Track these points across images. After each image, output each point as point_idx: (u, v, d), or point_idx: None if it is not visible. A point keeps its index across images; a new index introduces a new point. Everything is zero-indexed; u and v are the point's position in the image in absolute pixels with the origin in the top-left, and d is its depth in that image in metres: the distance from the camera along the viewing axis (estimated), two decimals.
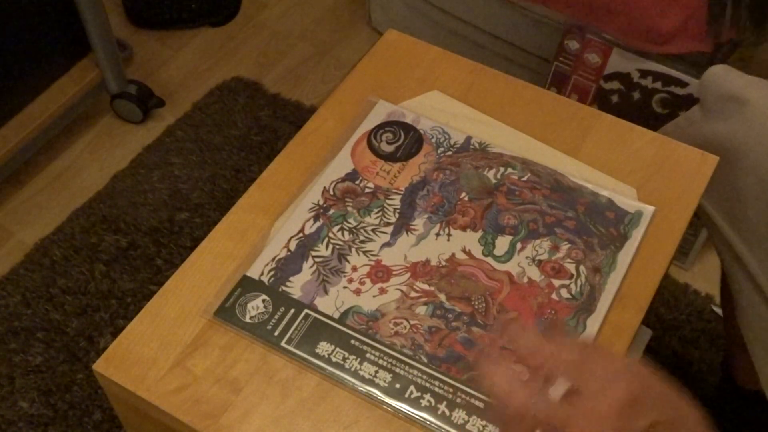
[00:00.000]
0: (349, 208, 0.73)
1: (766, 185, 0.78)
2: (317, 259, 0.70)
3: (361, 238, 0.71)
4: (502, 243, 0.71)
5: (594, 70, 1.19)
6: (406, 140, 0.78)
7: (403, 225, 0.72)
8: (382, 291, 0.68)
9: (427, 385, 0.63)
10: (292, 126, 1.52)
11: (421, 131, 0.79)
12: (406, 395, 0.62)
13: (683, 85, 1.13)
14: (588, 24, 1.15)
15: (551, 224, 0.72)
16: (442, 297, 0.68)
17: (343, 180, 0.75)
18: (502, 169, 0.76)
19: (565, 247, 0.71)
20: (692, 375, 1.24)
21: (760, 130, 0.79)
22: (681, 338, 1.28)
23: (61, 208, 1.42)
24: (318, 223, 0.72)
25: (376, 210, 0.73)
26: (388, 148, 0.77)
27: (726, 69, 0.84)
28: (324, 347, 0.65)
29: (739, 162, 0.80)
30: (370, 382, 0.63)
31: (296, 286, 0.68)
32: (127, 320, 0.74)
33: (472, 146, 0.77)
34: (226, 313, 0.67)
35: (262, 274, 0.69)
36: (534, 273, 0.69)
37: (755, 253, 0.81)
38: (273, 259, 0.70)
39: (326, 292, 0.68)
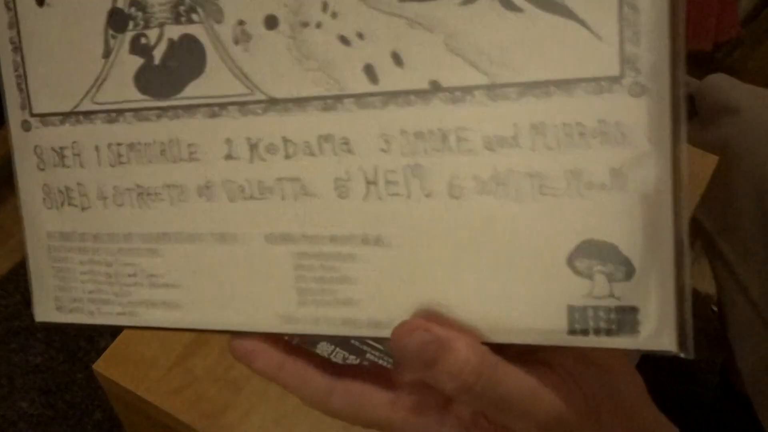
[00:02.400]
0: None
1: (758, 195, 0.78)
2: None
3: None
4: None
5: None
6: None
7: None
8: None
9: None
10: None
11: None
12: None
13: None
14: None
15: None
16: None
17: None
18: None
19: None
20: (692, 375, 1.24)
21: (752, 139, 0.79)
22: None
23: None
24: None
25: None
26: None
27: (722, 78, 0.84)
28: (324, 347, 0.65)
29: (732, 172, 0.80)
30: None
31: None
32: None
33: None
34: None
35: None
36: None
37: (747, 265, 0.81)
38: None
39: None
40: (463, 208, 0.29)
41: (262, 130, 0.31)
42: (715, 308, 1.31)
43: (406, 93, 0.29)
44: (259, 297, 0.34)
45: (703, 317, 1.31)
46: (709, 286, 1.33)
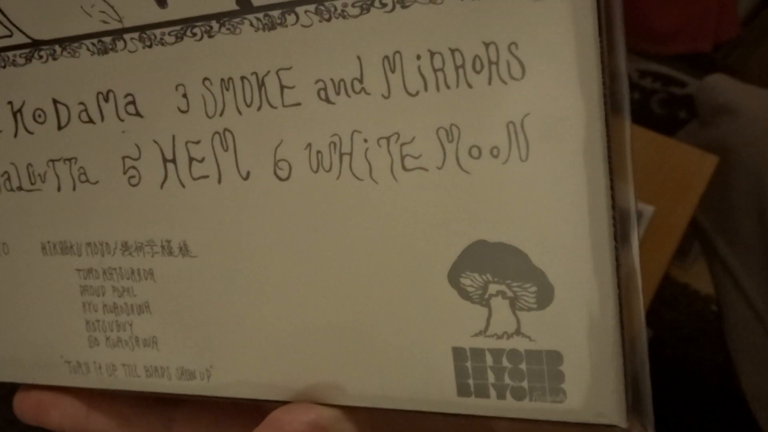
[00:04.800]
0: None
1: (756, 195, 0.78)
2: None
3: None
4: None
5: None
6: None
7: None
8: None
9: None
10: None
11: None
12: None
13: (683, 85, 1.13)
14: None
15: None
16: None
17: None
18: None
19: None
20: (692, 375, 1.24)
21: (751, 139, 0.79)
22: (681, 338, 1.28)
23: None
24: None
25: None
26: None
27: (721, 78, 0.84)
28: None
29: (730, 172, 0.80)
30: None
31: None
32: None
33: None
34: None
35: None
36: None
37: (745, 265, 0.81)
38: None
39: None
40: (294, 194, 0.19)
41: (26, 88, 0.22)
42: (716, 308, 1.31)
43: (206, 18, 0.19)
44: (40, 334, 0.24)
45: (703, 317, 1.31)
46: (709, 286, 1.33)
